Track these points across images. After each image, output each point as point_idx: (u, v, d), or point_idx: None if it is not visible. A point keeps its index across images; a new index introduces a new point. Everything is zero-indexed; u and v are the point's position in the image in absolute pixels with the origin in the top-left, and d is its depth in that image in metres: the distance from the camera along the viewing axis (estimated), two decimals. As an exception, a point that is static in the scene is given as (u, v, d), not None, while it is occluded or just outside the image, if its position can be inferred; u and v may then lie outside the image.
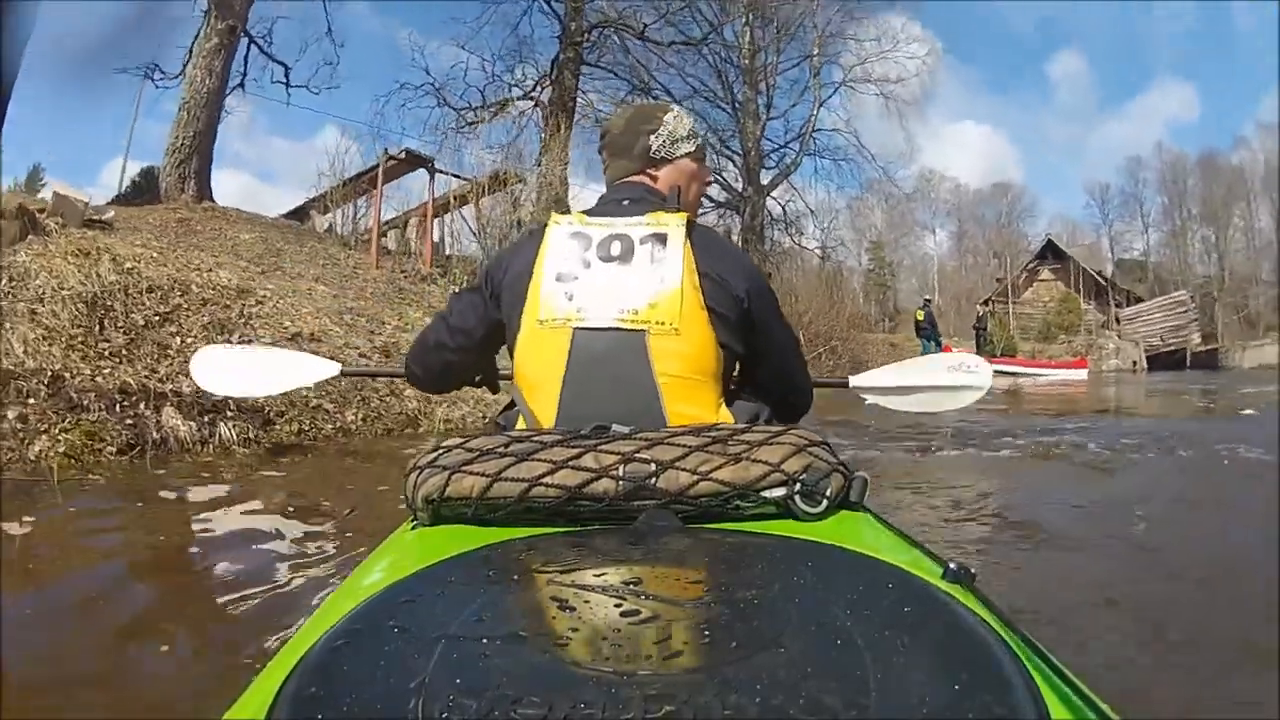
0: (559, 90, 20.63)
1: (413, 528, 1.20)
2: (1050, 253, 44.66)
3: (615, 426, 1.26)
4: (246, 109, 17.11)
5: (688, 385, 1.41)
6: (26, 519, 3.52)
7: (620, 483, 1.08)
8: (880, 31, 27.90)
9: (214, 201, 14.03)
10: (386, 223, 15.25)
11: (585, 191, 19.12)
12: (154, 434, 5.32)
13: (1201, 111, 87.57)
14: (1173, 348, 35.91)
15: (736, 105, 26.37)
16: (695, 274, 1.42)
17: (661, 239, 1.44)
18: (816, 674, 0.61)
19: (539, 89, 21.81)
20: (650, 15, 22.60)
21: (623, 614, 0.74)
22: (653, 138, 1.69)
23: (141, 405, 5.45)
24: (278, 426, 6.21)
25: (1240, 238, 52.10)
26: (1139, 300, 41.64)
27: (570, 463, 1.10)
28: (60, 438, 4.82)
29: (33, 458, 4.60)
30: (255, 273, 9.62)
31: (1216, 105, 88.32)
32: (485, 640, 0.69)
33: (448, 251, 15.88)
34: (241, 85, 16.17)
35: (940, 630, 0.69)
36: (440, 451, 1.19)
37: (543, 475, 1.08)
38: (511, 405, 1.57)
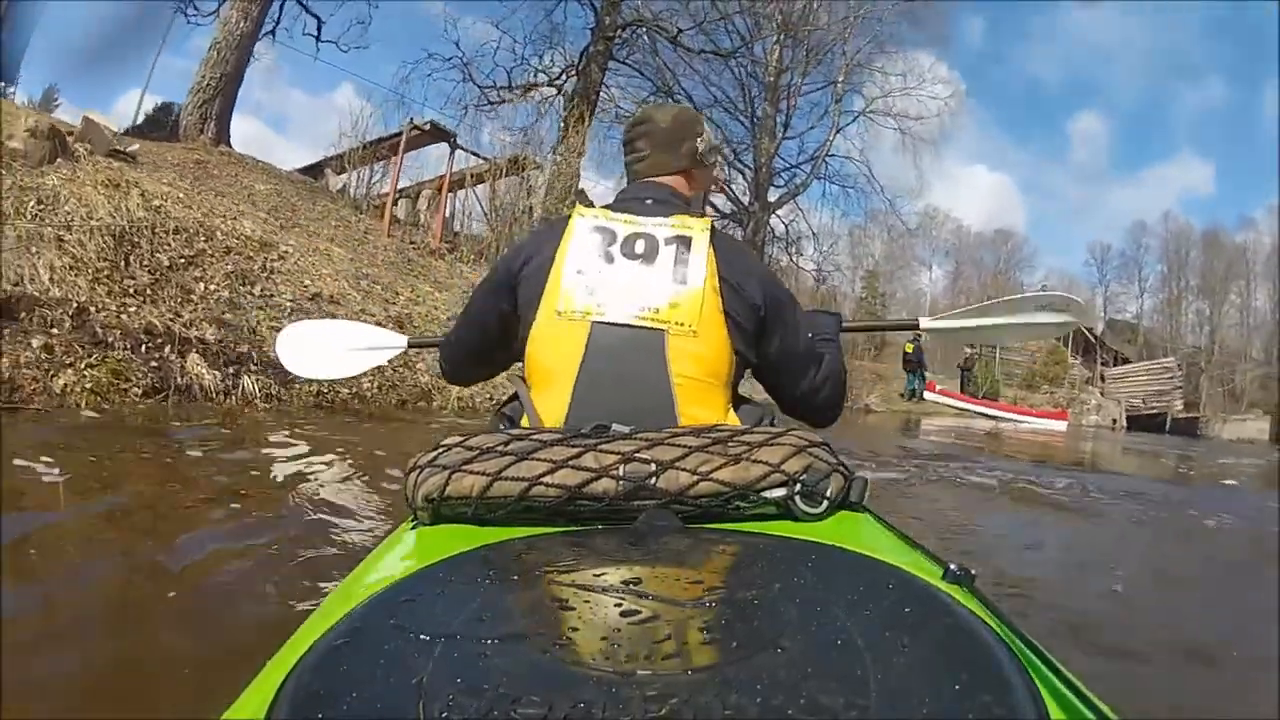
0: (584, 82, 20.56)
1: (413, 527, 1.20)
2: (1046, 305, 44.76)
3: (615, 426, 1.25)
4: (272, 57, 16.57)
5: (701, 387, 1.41)
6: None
7: (620, 482, 1.07)
8: (907, 68, 27.96)
9: (230, 146, 13.81)
10: (399, 191, 15.11)
11: (599, 187, 19.03)
12: (178, 379, 5.21)
13: (1217, 189, 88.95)
14: (1154, 411, 36.37)
15: (755, 120, 26.45)
16: (716, 279, 1.43)
17: (686, 242, 1.45)
18: (816, 674, 0.61)
19: (564, 78, 21.72)
20: (685, 21, 22.69)
21: (623, 614, 0.74)
22: (699, 141, 1.71)
23: (166, 349, 5.34)
24: (298, 385, 6.11)
25: (1234, 314, 53.07)
26: (1126, 361, 42.33)
27: (570, 462, 1.09)
28: (86, 373, 4.69)
29: (58, 390, 4.48)
30: (275, 226, 9.51)
31: (1232, 184, 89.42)
32: (485, 640, 0.69)
33: (456, 228, 15.76)
34: (273, 33, 15.87)
35: (940, 631, 0.69)
36: (440, 450, 1.18)
37: (543, 475, 1.08)
38: (513, 398, 1.57)
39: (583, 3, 21.33)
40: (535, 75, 21.84)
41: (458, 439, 1.21)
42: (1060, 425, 25.90)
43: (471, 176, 15.50)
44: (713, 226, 1.50)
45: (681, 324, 1.39)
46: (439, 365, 1.98)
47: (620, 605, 0.76)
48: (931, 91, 28.46)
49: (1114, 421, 34.04)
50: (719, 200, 26.12)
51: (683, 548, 0.97)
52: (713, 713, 0.55)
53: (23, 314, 4.85)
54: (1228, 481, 10.27)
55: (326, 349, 2.55)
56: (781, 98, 26.73)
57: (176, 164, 10.70)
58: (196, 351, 5.47)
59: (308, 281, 7.83)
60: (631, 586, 0.81)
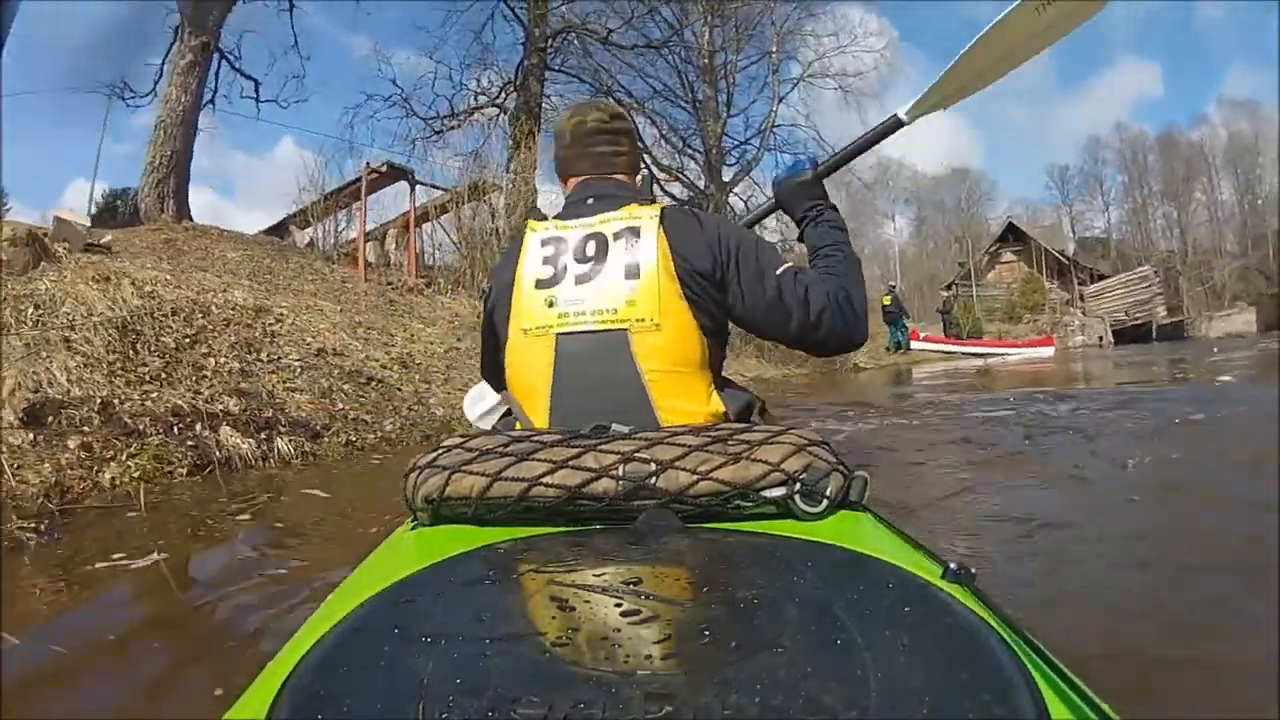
0: (525, 96, 20.64)
1: (413, 528, 1.20)
2: (1011, 235, 45.47)
3: (615, 426, 1.25)
4: (214, 126, 16.51)
5: (674, 378, 1.41)
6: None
7: (620, 482, 1.07)
8: (838, 26, 28.20)
9: (192, 220, 13.79)
10: (365, 235, 15.14)
11: (558, 197, 19.12)
12: (217, 453, 5.27)
13: (1165, 89, 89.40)
14: (1138, 321, 36.69)
15: (697, 104, 26.50)
16: (671, 264, 1.42)
17: (635, 232, 1.44)
18: (816, 674, 0.61)
19: (504, 95, 21.81)
20: (614, 20, 22.89)
21: (623, 614, 0.74)
22: (631, 135, 1.73)
23: (197, 426, 5.38)
24: (325, 440, 6.23)
25: (1202, 212, 53.42)
26: (1102, 277, 42.36)
27: (570, 462, 1.10)
28: (129, 463, 4.74)
29: (107, 484, 4.52)
30: (263, 291, 9.54)
31: (1180, 82, 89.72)
32: (485, 640, 0.69)
33: (428, 262, 15.80)
34: (212, 102, 15.79)
35: (940, 630, 0.69)
36: (440, 451, 1.19)
37: (542, 475, 1.08)
38: (509, 413, 1.60)
39: (510, 19, 21.47)
40: (476, 99, 21.97)
41: (457, 440, 1.22)
42: (1048, 351, 26.17)
43: (435, 209, 15.53)
44: (663, 209, 1.49)
45: (642, 319, 1.39)
46: (488, 384, 1.98)
47: (620, 605, 0.76)
48: (866, 45, 28.70)
49: (1100, 338, 34.35)
50: (675, 189, 26.24)
51: (683, 548, 0.98)
52: (713, 713, 0.56)
53: (50, 418, 4.88)
54: (1223, 378, 10.37)
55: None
56: (719, 77, 26.82)
57: (148, 247, 10.70)
58: (226, 424, 5.53)
59: (309, 339, 7.89)
60: (631, 586, 0.82)
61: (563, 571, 0.87)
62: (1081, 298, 39.95)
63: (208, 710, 1.71)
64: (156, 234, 11.95)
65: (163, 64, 15.12)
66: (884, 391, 13.46)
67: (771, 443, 1.13)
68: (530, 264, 1.48)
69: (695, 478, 1.06)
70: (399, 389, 7.89)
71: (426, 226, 16.23)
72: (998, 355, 25.25)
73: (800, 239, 1.77)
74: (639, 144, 1.77)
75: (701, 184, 26.48)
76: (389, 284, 13.10)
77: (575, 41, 22.77)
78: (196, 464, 5.06)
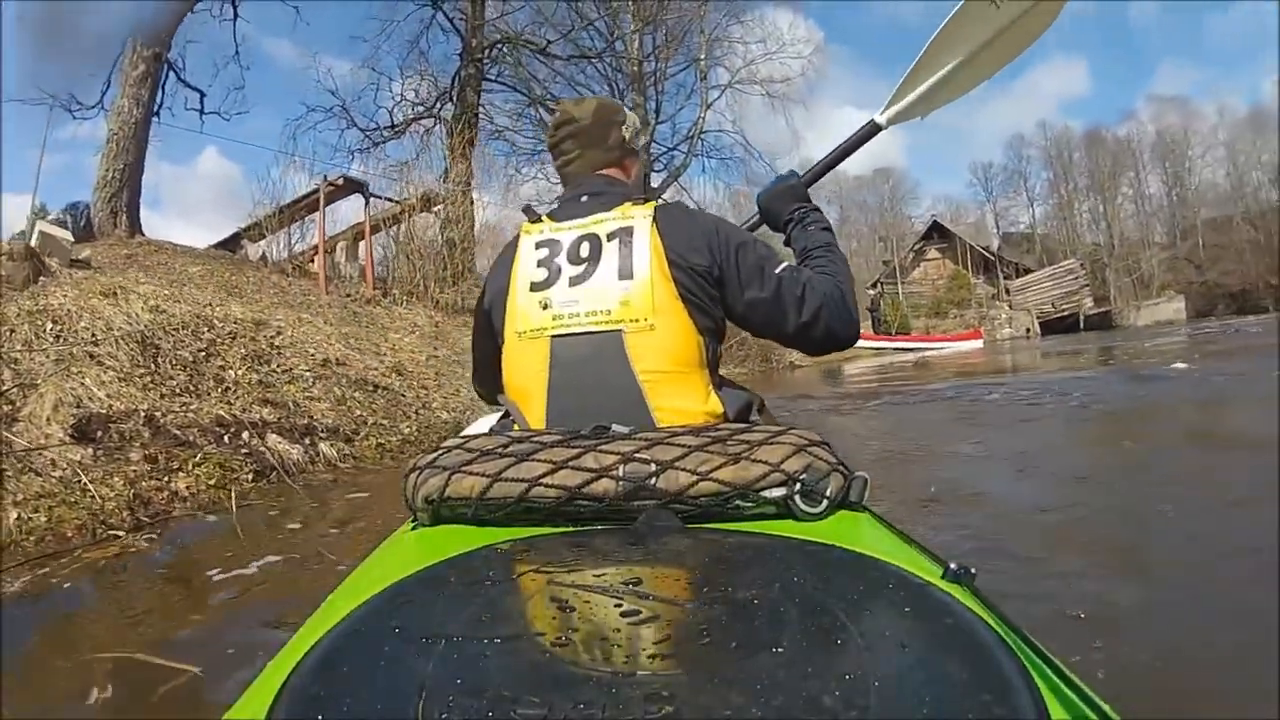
0: (462, 107, 20.66)
1: (413, 528, 1.20)
2: (936, 232, 46.63)
3: (615, 426, 1.25)
4: (157, 139, 16.07)
5: (670, 379, 1.40)
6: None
7: (620, 483, 1.07)
8: (766, 34, 28.70)
9: (144, 235, 13.48)
10: (314, 248, 15.04)
11: (493, 209, 19.21)
12: (271, 459, 5.39)
13: (1093, 86, 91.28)
14: (1065, 313, 37.83)
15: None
16: (665, 263, 1.41)
17: (628, 232, 1.43)
18: (816, 674, 0.61)
19: (439, 105, 21.79)
20: (549, 32, 23.36)
21: (623, 614, 0.74)
22: (625, 129, 1.70)
23: (244, 434, 5.40)
24: (356, 443, 6.42)
25: (1129, 205, 55.06)
26: (1028, 271, 43.74)
27: (570, 463, 1.10)
28: (196, 472, 4.77)
29: (184, 493, 4.56)
30: (258, 306, 9.52)
31: (1108, 79, 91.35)
32: (485, 640, 0.69)
33: (378, 274, 15.74)
34: (157, 114, 15.46)
35: (940, 630, 0.69)
36: (440, 452, 1.19)
37: (542, 475, 1.08)
38: (507, 415, 1.59)
39: (448, 30, 21.59)
40: (413, 109, 21.94)
41: (457, 441, 1.22)
42: (976, 344, 27.14)
43: (386, 221, 15.45)
44: (657, 207, 1.48)
45: (636, 320, 1.38)
46: (477, 391, 1.96)
47: (620, 605, 0.76)
48: (793, 51, 29.31)
49: (1027, 330, 35.73)
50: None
51: (683, 548, 0.97)
52: (713, 713, 0.56)
53: (99, 433, 4.86)
54: (1178, 365, 10.83)
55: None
56: (648, 85, 27.14)
57: (108, 262, 10.50)
58: (272, 431, 5.56)
59: (311, 350, 7.96)
60: (631, 586, 0.81)
61: (563, 572, 0.87)
62: (1007, 291, 41.15)
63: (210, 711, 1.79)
64: (115, 249, 11.82)
65: (110, 75, 14.80)
66: (822, 386, 14.17)
67: (771, 443, 1.13)
68: (525, 267, 1.48)
69: (695, 478, 1.06)
70: (403, 395, 8.03)
71: (378, 238, 16.15)
72: (928, 349, 26.05)
73: (786, 244, 1.78)
74: (630, 133, 1.71)
75: None
76: (348, 296, 13.04)
77: (509, 52, 22.87)
78: (258, 470, 5.16)
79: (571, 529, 1.08)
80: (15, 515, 3.71)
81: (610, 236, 1.43)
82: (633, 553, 0.95)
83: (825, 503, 1.10)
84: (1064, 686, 0.62)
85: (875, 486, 1.21)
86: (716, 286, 1.46)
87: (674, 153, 28.32)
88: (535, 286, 1.45)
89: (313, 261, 14.91)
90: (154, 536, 3.84)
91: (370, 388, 7.75)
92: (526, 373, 1.45)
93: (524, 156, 26.13)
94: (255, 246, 14.97)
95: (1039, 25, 1.96)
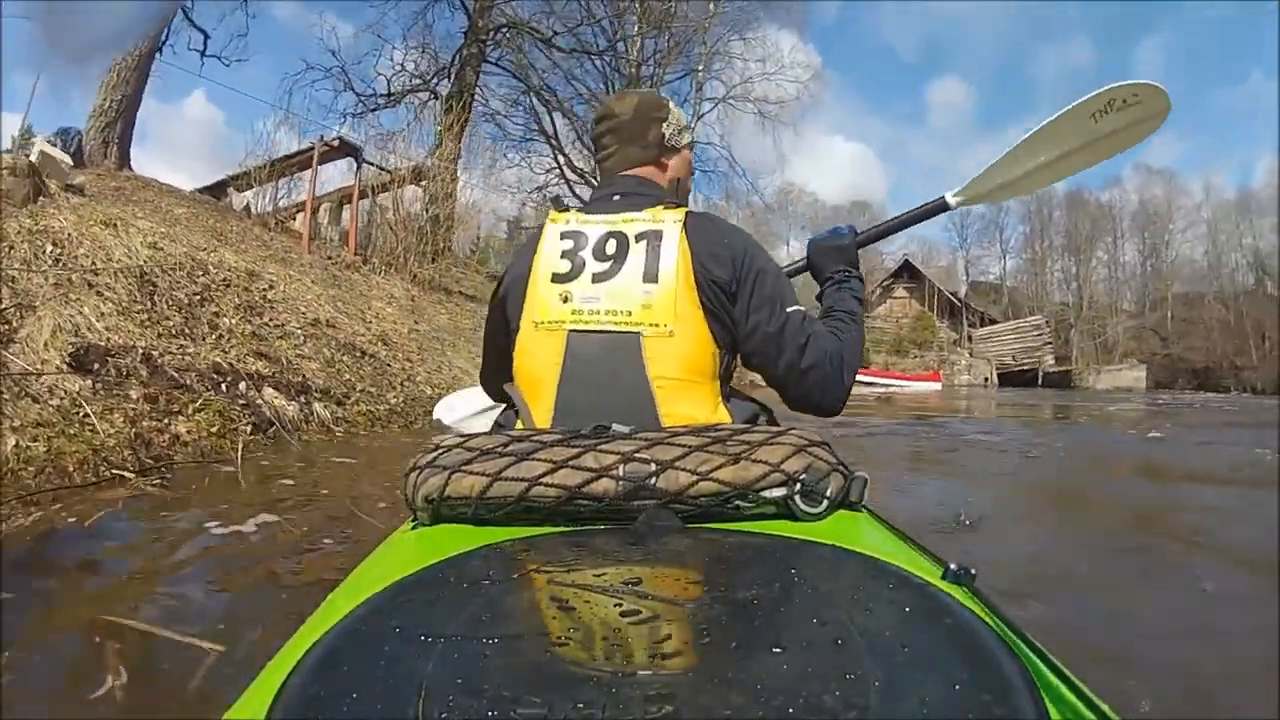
0: (460, 85, 20.53)
1: (413, 527, 1.20)
2: (906, 271, 47.07)
3: (615, 426, 1.24)
4: (156, 74, 15.70)
5: (682, 386, 1.39)
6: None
7: (620, 482, 1.07)
8: (766, 53, 28.85)
9: (132, 169, 13.21)
10: (298, 206, 14.88)
11: (468, 187, 19.14)
12: (268, 413, 5.33)
13: None
14: (1025, 367, 38.40)
15: (619, 113, 26.71)
16: (691, 272, 1.40)
17: (658, 235, 1.42)
18: (816, 674, 0.61)
19: (437, 80, 21.65)
20: (555, 23, 23.27)
21: (623, 614, 0.74)
22: (665, 126, 1.67)
23: (241, 385, 5.31)
24: (346, 406, 6.42)
25: (1103, 270, 55.30)
26: (993, 321, 44.31)
27: (570, 462, 1.09)
28: (196, 418, 4.69)
29: (182, 438, 4.48)
30: (250, 256, 9.44)
31: None
32: (485, 640, 0.69)
33: (359, 240, 15.62)
34: (160, 50, 15.10)
35: (940, 630, 0.69)
36: (440, 451, 1.18)
37: (542, 475, 1.08)
38: (511, 405, 1.57)
39: (456, 6, 21.36)
40: (410, 80, 21.74)
41: (457, 440, 1.21)
42: (935, 386, 27.64)
43: (376, 188, 15.31)
44: (688, 213, 1.46)
45: (656, 325, 1.37)
46: (486, 391, 1.93)
47: (620, 605, 0.75)
48: (791, 75, 29.52)
49: (985, 379, 36.33)
50: (585, 192, 26.36)
51: (683, 548, 0.97)
52: (713, 713, 0.56)
53: (96, 365, 4.74)
54: (1154, 435, 10.87)
55: (473, 409, 2.53)
56: (644, 88, 27.15)
57: (99, 192, 10.25)
58: (269, 384, 5.47)
59: (302, 308, 7.92)
60: (631, 586, 0.81)
61: (563, 571, 0.87)
62: (970, 339, 41.87)
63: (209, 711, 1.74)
64: (104, 180, 11.57)
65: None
66: (787, 414, 14.40)
67: (771, 443, 1.13)
68: (548, 256, 1.46)
69: (695, 478, 1.06)
70: (389, 365, 8.03)
71: (364, 204, 16.01)
72: (889, 386, 26.47)
73: (818, 298, 1.76)
74: (671, 130, 1.68)
75: None
76: (329, 258, 12.90)
77: (511, 38, 22.84)
78: (255, 423, 5.09)
79: (571, 529, 1.08)
80: (14, 442, 3.62)
81: (639, 238, 1.42)
82: (633, 553, 0.95)
83: (825, 503, 1.10)
84: (1063, 687, 0.62)
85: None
86: (732, 301, 1.45)
87: (659, 159, 28.30)
88: (557, 278, 1.43)
89: (294, 219, 14.77)
90: (163, 480, 3.79)
91: (358, 353, 7.72)
92: (540, 363, 1.44)
93: (512, 143, 26.08)
94: (240, 196, 14.78)
95: (1132, 138, 1.94)
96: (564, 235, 1.47)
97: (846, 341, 1.53)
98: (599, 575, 0.85)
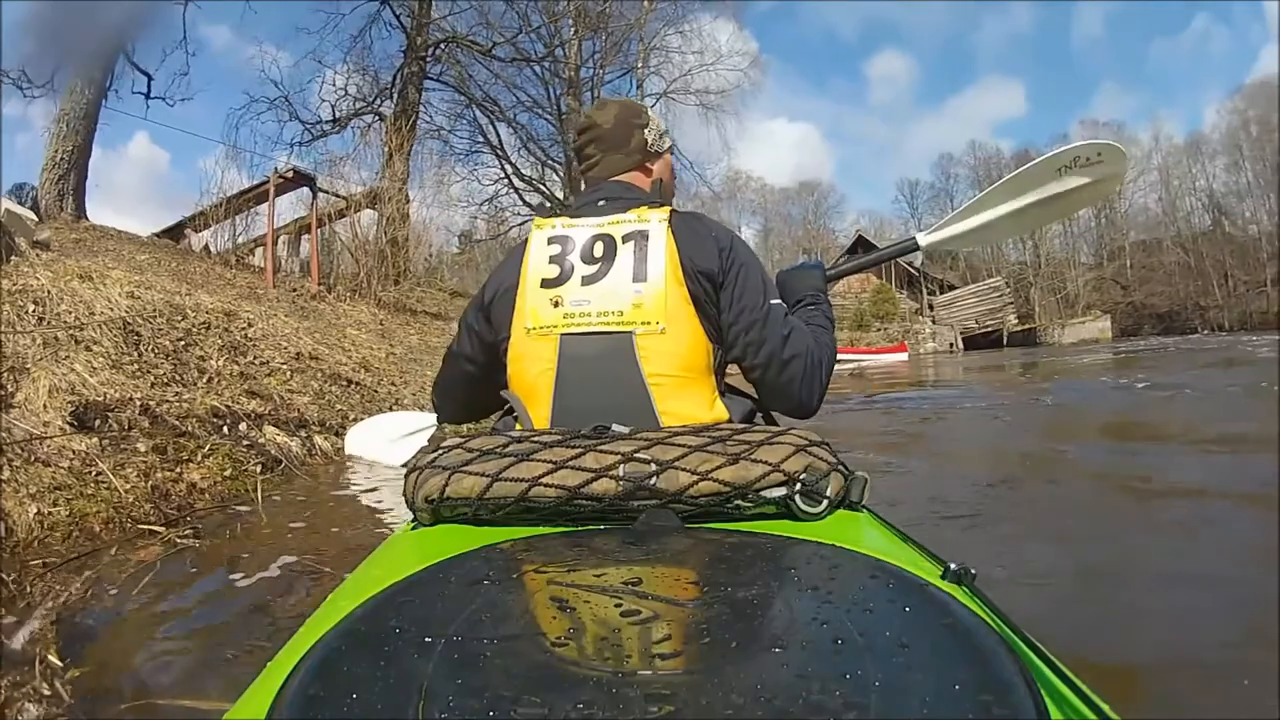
0: (403, 104, 20.53)
1: (413, 528, 1.20)
2: (860, 247, 46.36)
3: (615, 426, 1.25)
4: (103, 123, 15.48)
5: (678, 384, 1.40)
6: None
7: (620, 483, 1.07)
8: (704, 45, 29.01)
9: (89, 219, 13.07)
10: (256, 241, 14.83)
11: (423, 207, 19.14)
12: (273, 451, 5.38)
13: (1029, 108, 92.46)
14: (989, 329, 38.85)
15: (561, 116, 26.83)
16: (679, 269, 1.41)
17: (644, 235, 1.43)
18: (816, 674, 0.62)
19: (379, 100, 21.66)
20: (491, 34, 23.33)
21: (623, 614, 0.74)
22: (646, 132, 1.70)
23: (241, 426, 5.31)
24: (344, 436, 6.31)
25: (1057, 226, 54.81)
26: (952, 287, 44.78)
27: (570, 463, 1.09)
28: (206, 464, 4.72)
29: (198, 484, 4.49)
30: (223, 297, 9.43)
31: (1044, 102, 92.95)
32: (485, 640, 0.69)
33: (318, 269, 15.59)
34: (105, 96, 14.94)
35: (940, 630, 0.69)
36: (440, 451, 1.19)
37: (542, 475, 1.08)
38: (508, 412, 1.57)
39: (394, 26, 21.41)
40: (354, 105, 21.70)
41: (457, 440, 1.21)
42: (902, 356, 28.00)
43: (333, 215, 15.27)
44: (673, 212, 1.48)
45: (648, 323, 1.38)
46: (437, 412, 1.95)
47: (620, 605, 0.76)
48: (730, 64, 29.73)
49: (951, 345, 36.87)
50: (534, 199, 26.44)
51: (683, 548, 0.97)
52: (713, 713, 0.56)
53: (97, 421, 4.75)
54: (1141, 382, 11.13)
55: (386, 438, 2.55)
56: (584, 90, 27.25)
57: (60, 246, 10.15)
58: (269, 422, 5.50)
59: (285, 344, 7.91)
60: (631, 586, 0.81)
61: (563, 571, 0.88)
62: (931, 307, 42.58)
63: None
64: (63, 233, 11.48)
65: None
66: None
67: (771, 443, 1.13)
68: (536, 262, 1.47)
69: (695, 478, 1.06)
70: (376, 390, 8.06)
71: (322, 232, 15.97)
72: (859, 361, 26.78)
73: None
74: (653, 135, 1.71)
75: (561, 194, 26.83)
76: (293, 290, 12.87)
77: (450, 52, 22.96)
78: (263, 463, 5.11)
79: (571, 529, 1.08)
80: (34, 510, 3.59)
81: (625, 239, 1.43)
82: (633, 553, 0.95)
83: (825, 502, 1.11)
84: (1063, 686, 0.63)
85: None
86: (717, 291, 1.46)
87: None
88: (547, 283, 1.44)
89: (252, 253, 14.67)
90: (195, 530, 3.78)
91: (345, 382, 7.74)
92: (534, 370, 1.44)
93: (458, 156, 26.13)
94: (199, 236, 14.73)
95: (1093, 195, 2.06)
96: (551, 240, 1.48)
97: (823, 343, 1.56)
98: (599, 575, 0.86)
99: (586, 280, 1.41)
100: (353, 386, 7.72)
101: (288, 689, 0.63)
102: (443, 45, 22.29)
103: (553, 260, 1.45)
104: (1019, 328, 40.44)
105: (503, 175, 26.95)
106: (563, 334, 1.41)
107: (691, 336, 1.40)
